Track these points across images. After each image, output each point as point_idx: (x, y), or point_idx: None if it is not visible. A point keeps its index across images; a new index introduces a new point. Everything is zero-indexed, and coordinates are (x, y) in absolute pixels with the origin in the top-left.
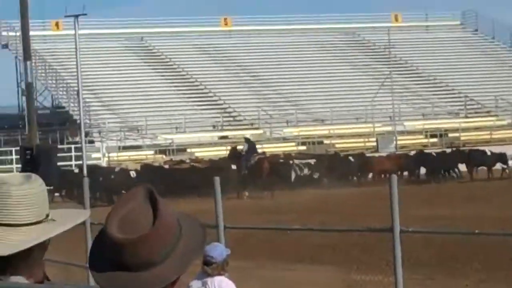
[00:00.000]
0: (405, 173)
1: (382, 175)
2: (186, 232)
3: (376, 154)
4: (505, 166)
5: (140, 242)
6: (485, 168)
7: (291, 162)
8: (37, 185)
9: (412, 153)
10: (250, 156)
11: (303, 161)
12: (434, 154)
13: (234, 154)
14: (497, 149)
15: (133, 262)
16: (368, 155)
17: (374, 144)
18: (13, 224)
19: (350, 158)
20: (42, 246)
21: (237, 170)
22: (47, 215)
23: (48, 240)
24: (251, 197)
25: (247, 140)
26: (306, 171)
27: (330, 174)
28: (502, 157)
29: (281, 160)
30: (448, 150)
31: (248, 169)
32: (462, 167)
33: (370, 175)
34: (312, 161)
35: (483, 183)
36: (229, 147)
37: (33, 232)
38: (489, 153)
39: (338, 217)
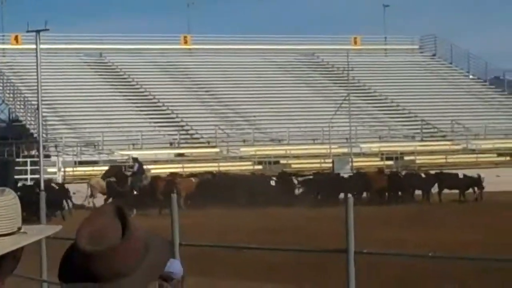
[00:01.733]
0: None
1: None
2: (152, 247)
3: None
4: (478, 190)
5: (109, 253)
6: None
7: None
8: (10, 198)
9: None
10: (140, 176)
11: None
12: (402, 176)
13: (119, 174)
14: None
15: (102, 274)
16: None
17: (330, 165)
18: None
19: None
20: (15, 258)
21: (121, 190)
22: (19, 228)
23: (20, 252)
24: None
25: (135, 160)
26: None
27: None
28: (476, 181)
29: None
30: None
31: (141, 189)
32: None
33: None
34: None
35: (454, 205)
36: (185, 165)
37: (5, 242)
38: (461, 176)
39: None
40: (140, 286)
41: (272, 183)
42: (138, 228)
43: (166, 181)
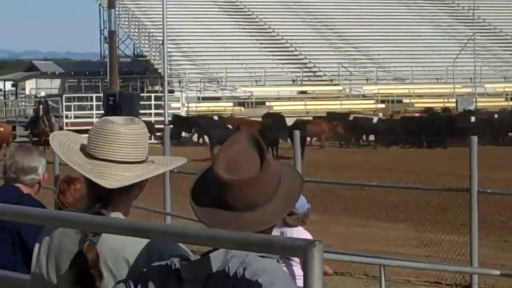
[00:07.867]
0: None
1: None
2: (286, 180)
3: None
4: None
5: (247, 184)
6: None
7: None
8: (141, 127)
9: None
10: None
11: None
12: None
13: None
14: None
15: (237, 203)
16: None
17: (454, 105)
18: (119, 160)
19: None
20: (140, 186)
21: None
22: (147, 157)
23: (146, 181)
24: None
25: (39, 102)
26: None
27: None
28: None
29: None
30: None
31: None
32: None
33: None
34: None
35: None
36: (308, 102)
37: (137, 170)
38: None
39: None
40: (273, 217)
41: None
42: (273, 160)
43: None
